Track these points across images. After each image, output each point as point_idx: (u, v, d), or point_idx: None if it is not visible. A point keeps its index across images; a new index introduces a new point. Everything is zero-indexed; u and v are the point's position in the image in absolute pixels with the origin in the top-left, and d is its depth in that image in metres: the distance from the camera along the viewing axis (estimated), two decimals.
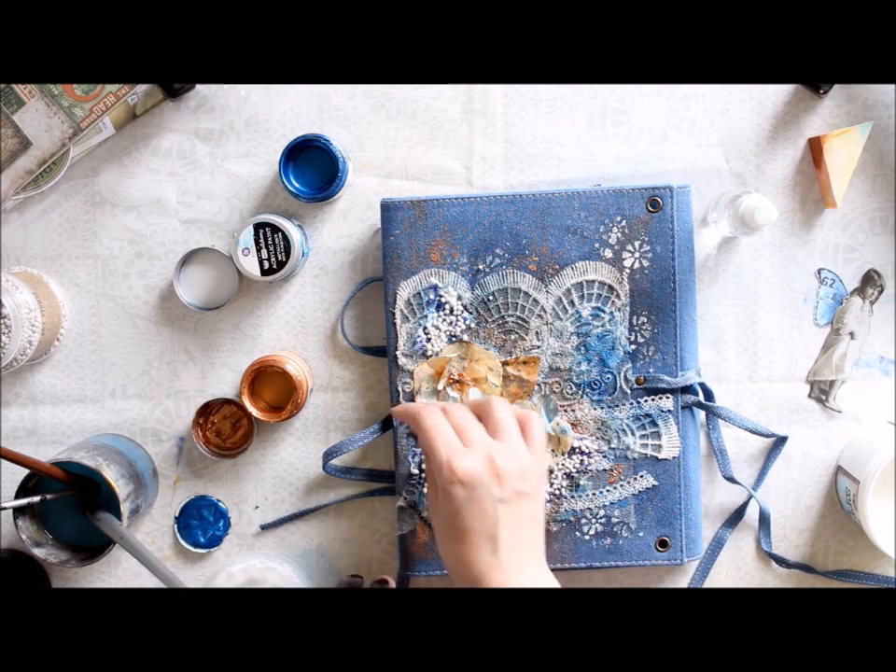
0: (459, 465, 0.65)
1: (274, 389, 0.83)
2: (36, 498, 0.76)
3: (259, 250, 0.79)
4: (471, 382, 0.79)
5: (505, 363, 0.80)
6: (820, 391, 0.83)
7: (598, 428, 0.80)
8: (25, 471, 0.77)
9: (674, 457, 0.80)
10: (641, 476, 0.80)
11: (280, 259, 0.79)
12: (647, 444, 0.80)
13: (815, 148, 0.82)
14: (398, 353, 0.80)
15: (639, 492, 0.80)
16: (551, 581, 0.68)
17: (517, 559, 0.66)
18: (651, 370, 0.79)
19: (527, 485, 0.67)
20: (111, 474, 0.76)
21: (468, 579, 0.67)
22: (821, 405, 0.83)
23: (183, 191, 0.84)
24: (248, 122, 0.83)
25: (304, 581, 0.83)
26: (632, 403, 0.79)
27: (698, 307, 0.82)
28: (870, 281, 0.82)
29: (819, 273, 0.82)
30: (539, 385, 0.80)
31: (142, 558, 0.74)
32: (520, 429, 0.70)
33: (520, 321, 0.79)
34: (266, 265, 0.79)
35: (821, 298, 0.82)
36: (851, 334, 0.82)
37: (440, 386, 0.79)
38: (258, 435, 0.84)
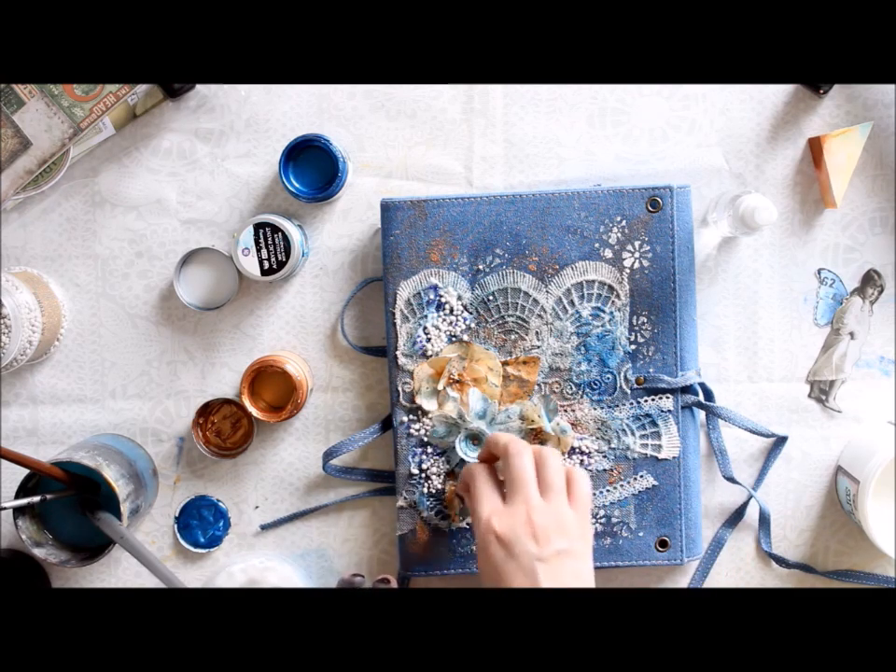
0: (496, 522, 0.66)
1: (274, 389, 0.83)
2: (36, 498, 0.76)
3: (259, 250, 0.79)
4: (471, 382, 0.79)
5: (505, 363, 0.80)
6: (820, 391, 0.83)
7: (598, 428, 0.80)
8: (25, 471, 0.77)
9: (674, 457, 0.80)
10: (641, 476, 0.80)
11: (280, 258, 0.79)
12: (647, 444, 0.80)
13: (815, 148, 0.82)
14: (398, 353, 0.80)
15: (639, 492, 0.80)
16: None
17: None
18: (650, 370, 0.79)
19: (567, 543, 0.66)
20: (111, 474, 0.76)
21: None
22: (821, 405, 0.83)
23: (183, 191, 0.84)
24: (248, 122, 0.83)
25: (304, 581, 0.83)
26: (632, 403, 0.79)
27: (698, 307, 0.82)
28: (870, 281, 0.82)
29: (819, 272, 0.82)
30: (538, 384, 0.80)
31: (142, 558, 0.74)
32: (567, 484, 0.69)
33: (520, 321, 0.79)
34: (266, 265, 0.79)
35: (821, 298, 0.82)
36: (851, 334, 0.82)
37: (440, 386, 0.79)
38: (258, 435, 0.84)
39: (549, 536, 0.66)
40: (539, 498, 0.67)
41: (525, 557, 0.65)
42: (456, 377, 0.79)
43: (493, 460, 0.73)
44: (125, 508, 0.76)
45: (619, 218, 0.78)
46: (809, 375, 0.83)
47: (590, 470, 0.80)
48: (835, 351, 0.83)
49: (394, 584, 0.80)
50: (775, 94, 0.82)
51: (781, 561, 0.83)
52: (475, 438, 0.79)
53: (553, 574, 0.65)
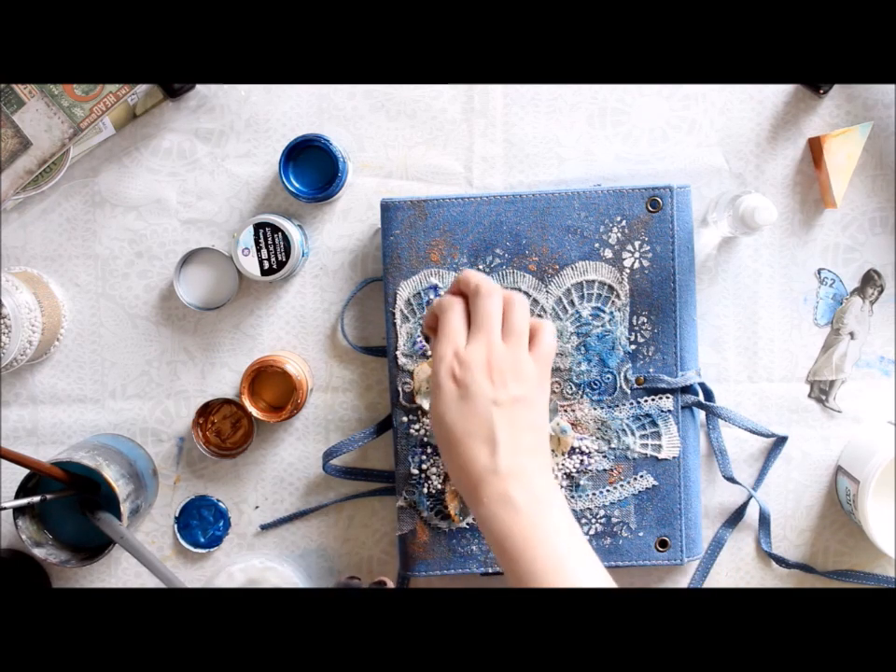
0: (456, 364, 0.64)
1: (274, 389, 0.83)
2: (36, 498, 0.76)
3: (259, 250, 0.79)
4: None
5: None
6: (820, 391, 0.83)
7: (598, 428, 0.80)
8: (25, 471, 0.77)
9: (674, 457, 0.80)
10: (641, 476, 0.80)
11: (280, 258, 0.79)
12: (647, 444, 0.80)
13: (815, 148, 0.82)
14: (398, 353, 0.80)
15: (639, 492, 0.80)
16: (552, 489, 0.64)
17: (516, 465, 0.63)
18: (651, 370, 0.79)
19: (523, 390, 0.64)
20: (111, 474, 0.76)
21: (467, 486, 0.64)
22: (821, 405, 0.83)
23: (183, 191, 0.84)
24: (248, 122, 0.83)
25: (304, 581, 0.83)
26: (632, 403, 0.79)
27: (698, 307, 0.82)
28: (870, 281, 0.82)
29: (819, 272, 0.82)
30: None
31: (142, 558, 0.74)
32: (531, 334, 0.67)
33: None
34: (266, 265, 0.79)
35: (821, 298, 0.82)
36: (851, 334, 0.82)
37: None
38: (258, 435, 0.84)
39: (506, 380, 0.64)
40: (501, 342, 0.65)
41: (480, 399, 0.63)
42: None
43: (462, 297, 0.69)
44: (125, 508, 0.76)
45: (619, 218, 0.78)
46: (809, 375, 0.83)
47: (590, 471, 0.80)
48: (835, 351, 0.83)
49: (390, 586, 0.80)
50: (775, 94, 0.82)
51: (781, 561, 0.83)
52: None
53: (508, 420, 0.63)
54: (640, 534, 0.80)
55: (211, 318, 0.84)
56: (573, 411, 0.80)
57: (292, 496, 0.85)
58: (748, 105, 0.82)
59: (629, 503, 0.80)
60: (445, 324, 0.66)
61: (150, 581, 0.84)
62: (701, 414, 0.82)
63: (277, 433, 0.84)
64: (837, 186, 0.80)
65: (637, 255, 0.79)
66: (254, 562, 0.82)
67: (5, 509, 0.75)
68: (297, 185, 0.81)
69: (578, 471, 0.79)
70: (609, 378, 0.79)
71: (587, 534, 0.80)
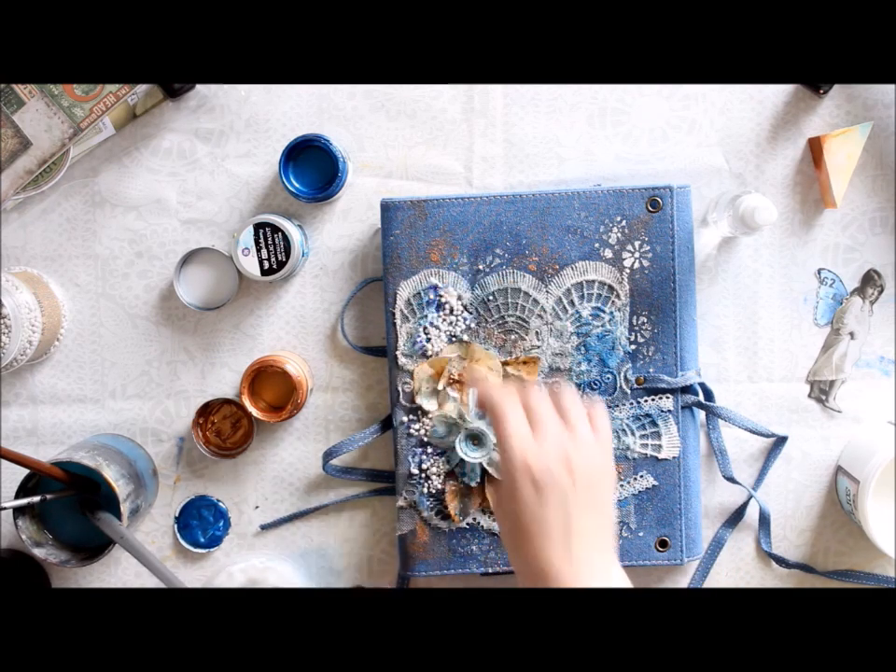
0: (534, 463, 0.64)
1: (274, 389, 0.83)
2: (36, 498, 0.76)
3: (259, 250, 0.79)
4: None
5: (505, 363, 0.80)
6: (820, 391, 0.83)
7: None
8: (25, 471, 0.77)
9: (674, 457, 0.80)
10: (641, 476, 0.80)
11: (280, 258, 0.79)
12: (647, 444, 0.80)
13: (815, 148, 0.82)
14: (398, 353, 0.80)
15: (639, 492, 0.80)
16: (622, 576, 0.66)
17: (587, 554, 0.64)
18: (651, 370, 0.79)
19: (597, 479, 0.66)
20: (111, 474, 0.76)
21: (536, 576, 0.64)
22: (821, 405, 0.83)
23: (183, 191, 0.84)
24: (248, 122, 0.83)
25: (304, 581, 0.83)
26: (632, 403, 0.79)
27: (698, 307, 0.82)
28: (870, 281, 0.82)
29: (819, 273, 0.82)
30: (539, 385, 0.80)
31: (142, 558, 0.74)
32: (588, 419, 0.68)
33: (520, 321, 0.79)
34: (266, 265, 0.79)
35: (821, 298, 0.82)
36: (851, 334, 0.82)
37: (440, 386, 0.79)
38: (258, 435, 0.84)
39: (579, 469, 0.65)
40: (566, 432, 0.66)
41: (556, 492, 0.64)
42: (456, 377, 0.79)
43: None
44: (125, 508, 0.76)
45: (619, 218, 0.78)
46: (809, 375, 0.83)
47: None
48: (835, 351, 0.83)
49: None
50: (775, 94, 0.82)
51: (781, 561, 0.83)
52: (475, 438, 0.79)
53: (583, 508, 0.64)
54: (640, 534, 0.80)
55: (211, 318, 0.84)
56: None
57: (292, 496, 0.85)
58: (748, 105, 0.82)
59: (629, 503, 0.80)
60: (506, 417, 0.66)
61: (150, 581, 0.84)
62: (701, 414, 0.82)
63: (277, 433, 0.84)
64: (837, 186, 0.80)
65: (636, 255, 0.79)
66: (254, 562, 0.82)
67: (5, 509, 0.75)
68: (297, 185, 0.81)
69: None
70: (608, 378, 0.79)
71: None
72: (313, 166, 0.81)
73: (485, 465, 0.78)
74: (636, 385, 0.79)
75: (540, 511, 0.64)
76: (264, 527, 0.85)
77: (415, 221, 0.79)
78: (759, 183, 0.83)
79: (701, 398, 0.81)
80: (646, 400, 0.79)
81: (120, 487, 0.76)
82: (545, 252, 0.79)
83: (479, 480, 0.79)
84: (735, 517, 0.83)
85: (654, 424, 0.79)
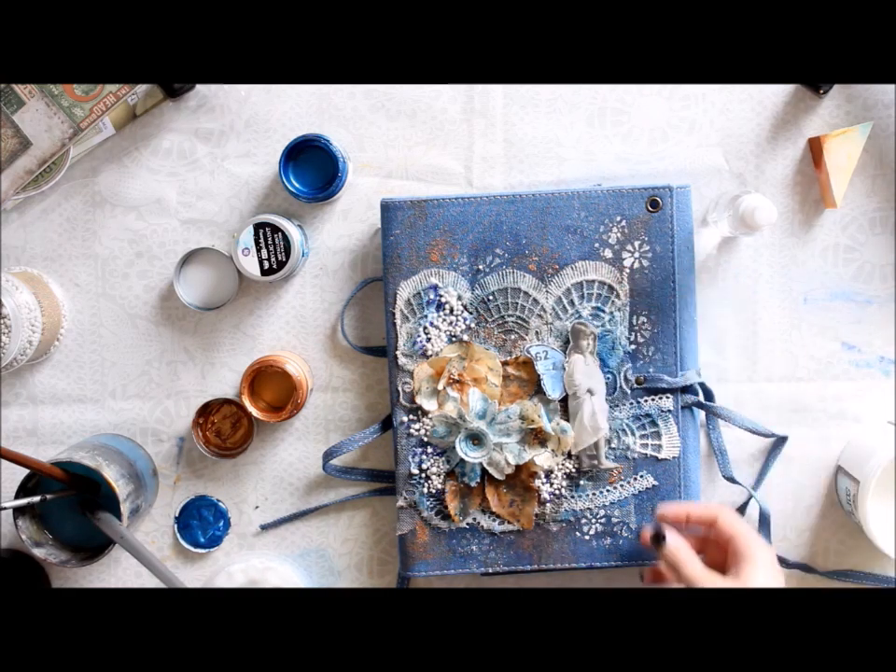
0: None
1: (274, 389, 0.83)
2: (36, 498, 0.76)
3: (259, 250, 0.79)
4: (471, 382, 0.79)
5: (505, 363, 0.80)
6: (591, 458, 0.78)
7: None
8: (25, 471, 0.77)
9: (674, 457, 0.79)
10: (641, 476, 0.80)
11: (280, 258, 0.79)
12: (647, 444, 0.80)
13: (815, 148, 0.82)
14: (398, 353, 0.80)
15: (639, 492, 0.80)
16: None
17: None
18: (651, 370, 0.79)
19: None
20: (111, 474, 0.76)
21: None
22: (595, 469, 0.79)
23: (183, 191, 0.84)
24: (248, 122, 0.83)
25: (304, 581, 0.83)
26: (632, 403, 0.79)
27: (698, 307, 0.82)
28: (578, 334, 0.78)
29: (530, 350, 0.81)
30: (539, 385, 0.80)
31: (142, 558, 0.74)
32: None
33: (520, 321, 0.79)
34: (266, 265, 0.79)
35: (543, 374, 0.78)
36: (589, 391, 0.78)
37: (440, 386, 0.79)
38: (258, 435, 0.84)
39: None
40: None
41: None
42: (456, 377, 0.79)
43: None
44: (125, 508, 0.76)
45: (619, 218, 0.78)
46: (573, 449, 0.79)
47: (590, 471, 0.80)
48: (583, 414, 0.78)
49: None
50: (775, 94, 0.82)
51: (781, 561, 0.83)
52: (475, 438, 0.79)
53: None
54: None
55: (211, 318, 0.84)
56: None
57: (292, 496, 0.85)
58: (748, 105, 0.82)
59: (629, 503, 0.80)
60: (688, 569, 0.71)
61: (150, 581, 0.84)
62: (701, 414, 0.82)
63: (277, 433, 0.84)
64: (837, 186, 0.80)
65: (636, 255, 0.79)
66: (254, 562, 0.82)
67: (5, 509, 0.75)
68: (297, 185, 0.81)
69: (578, 471, 0.79)
70: (608, 378, 0.79)
71: (587, 534, 0.80)
72: (313, 166, 0.81)
73: (485, 465, 0.78)
74: (636, 385, 0.79)
75: None
76: (264, 527, 0.85)
77: (415, 221, 0.79)
78: (759, 183, 0.83)
79: (701, 398, 0.81)
80: (646, 400, 0.79)
81: (120, 487, 0.76)
82: (545, 252, 0.79)
83: (479, 480, 0.79)
84: None
85: (654, 424, 0.79)
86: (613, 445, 0.79)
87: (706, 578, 0.69)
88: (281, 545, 0.85)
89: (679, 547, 0.72)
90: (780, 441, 0.83)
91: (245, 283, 0.84)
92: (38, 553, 0.77)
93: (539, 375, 0.78)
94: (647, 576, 0.79)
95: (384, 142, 0.83)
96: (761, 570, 0.69)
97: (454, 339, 0.80)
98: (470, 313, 0.79)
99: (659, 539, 0.73)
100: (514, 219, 0.79)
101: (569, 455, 0.79)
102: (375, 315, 0.84)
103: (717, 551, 0.74)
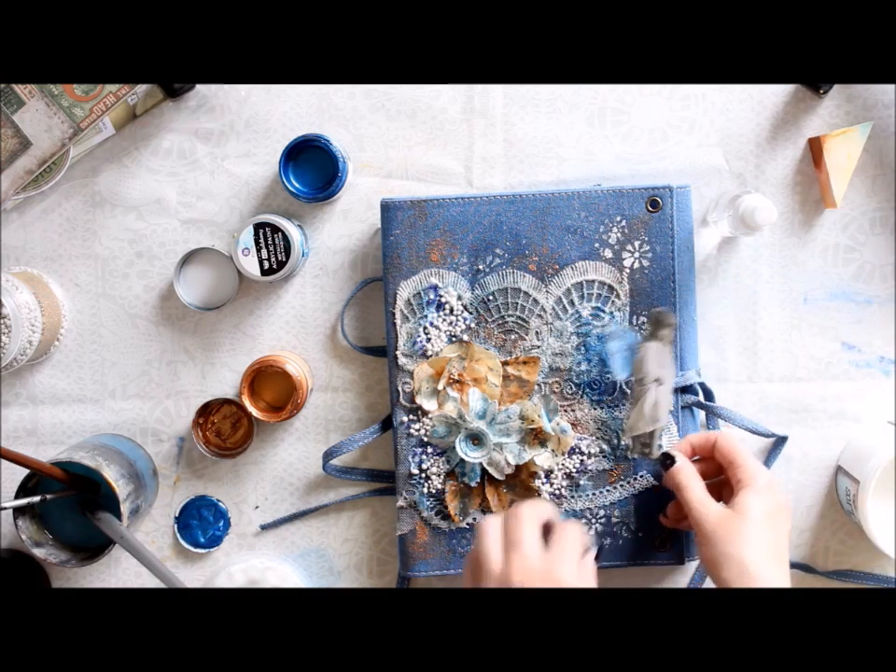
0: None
1: (274, 389, 0.83)
2: (36, 498, 0.76)
3: (259, 250, 0.79)
4: (471, 382, 0.79)
5: (505, 363, 0.80)
6: (643, 445, 0.78)
7: (598, 428, 0.79)
8: (25, 471, 0.77)
9: None
10: (641, 476, 0.80)
11: (280, 258, 0.79)
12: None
13: (815, 148, 0.82)
14: (398, 353, 0.80)
15: (639, 492, 0.80)
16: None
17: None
18: None
19: None
20: (111, 474, 0.76)
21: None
22: (647, 458, 0.79)
23: (183, 191, 0.84)
24: (248, 122, 0.83)
25: (304, 581, 0.83)
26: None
27: (698, 307, 0.82)
28: (660, 323, 0.77)
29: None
30: (538, 384, 0.80)
31: (142, 558, 0.74)
32: None
33: (520, 321, 0.79)
34: (266, 265, 0.79)
35: (615, 353, 0.78)
36: (657, 380, 0.76)
37: (440, 386, 0.79)
38: (258, 435, 0.84)
39: None
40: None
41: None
42: (456, 377, 0.79)
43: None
44: (125, 508, 0.76)
45: (619, 218, 0.78)
46: (626, 433, 0.79)
47: (590, 471, 0.80)
48: (645, 401, 0.76)
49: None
50: (775, 94, 0.82)
51: None
52: (475, 438, 0.79)
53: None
54: (640, 534, 0.80)
55: (211, 318, 0.84)
56: (573, 411, 0.80)
57: (292, 496, 0.85)
58: (748, 105, 0.82)
59: (629, 503, 0.80)
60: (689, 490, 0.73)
61: (150, 581, 0.84)
62: (701, 414, 0.82)
63: (277, 433, 0.84)
64: (837, 186, 0.80)
65: (636, 255, 0.79)
66: (254, 562, 0.82)
67: (5, 509, 0.75)
68: (297, 185, 0.81)
69: (578, 471, 0.79)
70: (609, 378, 0.79)
71: (587, 534, 0.80)
72: (313, 166, 0.81)
73: (485, 465, 0.78)
74: None
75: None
76: (264, 527, 0.85)
77: (415, 221, 0.79)
78: (759, 183, 0.83)
79: (701, 398, 0.81)
80: None
81: (120, 487, 0.76)
82: (545, 252, 0.79)
83: (479, 480, 0.79)
84: None
85: None
86: (613, 445, 0.80)
87: (701, 504, 0.71)
88: (281, 545, 0.85)
89: (681, 468, 0.74)
90: (780, 441, 0.83)
91: (244, 283, 0.84)
92: (38, 553, 0.77)
93: (608, 353, 0.78)
94: (669, 511, 0.78)
95: (384, 142, 0.83)
96: (756, 497, 0.70)
97: (454, 339, 0.80)
98: (470, 313, 0.79)
99: (667, 459, 0.75)
100: (514, 219, 0.79)
101: (569, 455, 0.79)
102: (375, 315, 0.84)
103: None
